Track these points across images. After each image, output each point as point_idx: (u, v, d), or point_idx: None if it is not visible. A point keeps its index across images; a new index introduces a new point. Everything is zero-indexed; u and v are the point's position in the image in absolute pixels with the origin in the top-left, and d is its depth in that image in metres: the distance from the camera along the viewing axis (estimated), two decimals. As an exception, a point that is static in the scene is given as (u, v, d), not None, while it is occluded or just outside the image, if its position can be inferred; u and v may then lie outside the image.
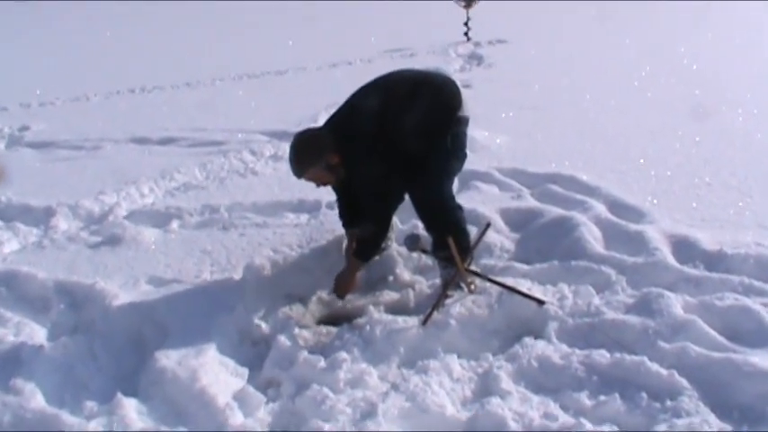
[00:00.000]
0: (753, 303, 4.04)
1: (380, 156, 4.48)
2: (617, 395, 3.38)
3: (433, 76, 4.92)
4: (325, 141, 4.51)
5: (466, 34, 20.33)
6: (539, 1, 32.51)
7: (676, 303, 4.06)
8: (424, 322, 4.13)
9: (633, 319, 3.97)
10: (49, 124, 10.77)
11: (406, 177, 4.57)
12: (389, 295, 4.75)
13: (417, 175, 4.54)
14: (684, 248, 4.91)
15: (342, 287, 4.76)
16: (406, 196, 4.73)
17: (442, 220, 4.61)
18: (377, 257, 5.11)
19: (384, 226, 4.76)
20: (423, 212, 4.68)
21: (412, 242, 4.56)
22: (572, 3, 30.35)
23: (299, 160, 4.54)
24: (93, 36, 28.06)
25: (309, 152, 4.52)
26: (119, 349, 4.19)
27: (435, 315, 4.17)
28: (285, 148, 8.25)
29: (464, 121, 4.70)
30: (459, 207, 4.76)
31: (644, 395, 3.38)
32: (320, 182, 4.70)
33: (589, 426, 3.18)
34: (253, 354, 4.20)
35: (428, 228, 4.75)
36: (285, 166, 7.32)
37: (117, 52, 21.90)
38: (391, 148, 4.49)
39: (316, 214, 5.96)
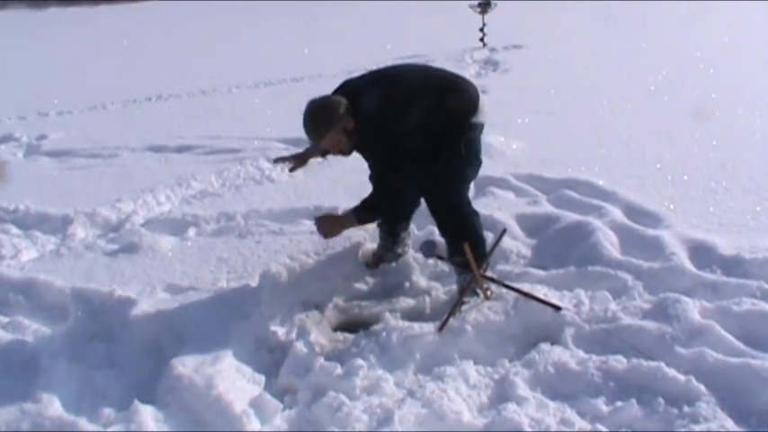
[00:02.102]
0: (770, 308, 4.03)
1: (391, 129, 4.47)
2: (634, 401, 3.38)
3: (452, 77, 4.89)
4: (341, 104, 4.45)
5: (482, 40, 20.28)
6: (556, 1, 32.52)
7: (693, 308, 4.05)
8: (441, 328, 4.12)
9: (650, 324, 3.96)
10: (66, 133, 10.81)
11: (421, 184, 4.57)
12: (406, 302, 4.74)
13: (433, 181, 4.54)
14: (701, 253, 4.90)
15: (326, 229, 4.72)
16: (422, 201, 4.74)
17: (459, 225, 4.60)
18: (393, 264, 5.12)
19: (388, 193, 4.67)
20: (439, 218, 4.68)
21: (428, 248, 4.56)
22: (588, 7, 30.28)
23: (318, 123, 4.48)
24: (109, 45, 28.18)
25: (329, 115, 4.44)
26: (136, 356, 4.20)
27: (452, 321, 4.16)
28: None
29: (478, 127, 4.67)
30: (476, 213, 4.75)
31: (661, 401, 3.37)
32: (337, 148, 4.63)
33: (606, 432, 3.17)
34: (269, 361, 4.20)
35: (444, 233, 4.75)
36: (301, 174, 7.34)
37: (133, 61, 21.98)
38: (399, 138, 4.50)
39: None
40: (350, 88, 4.66)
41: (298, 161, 5.15)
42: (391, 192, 4.66)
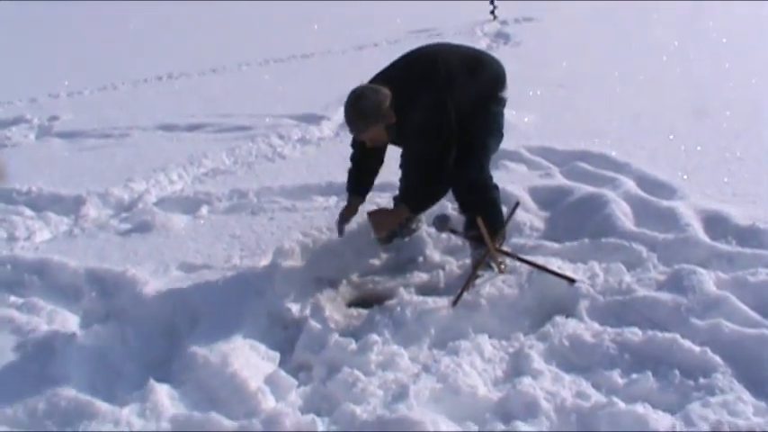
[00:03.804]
0: (786, 278, 3.99)
1: (431, 125, 4.40)
2: (649, 373, 3.37)
3: (484, 53, 4.88)
4: (387, 98, 4.34)
5: (492, 12, 20.20)
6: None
7: (708, 280, 4.02)
8: (455, 303, 4.12)
9: (665, 296, 3.94)
10: (77, 114, 10.79)
11: None
12: (420, 276, 4.73)
13: (457, 153, 4.49)
14: (716, 224, 4.86)
15: (382, 226, 4.68)
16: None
17: (479, 198, 4.59)
18: (407, 239, 5.11)
19: (444, 179, 4.56)
20: (460, 190, 4.64)
21: (440, 222, 4.54)
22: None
23: (362, 117, 4.36)
24: (120, 25, 28.13)
25: (374, 110, 4.32)
26: (150, 335, 4.21)
27: (466, 295, 4.15)
28: (312, 131, 8.30)
29: (503, 102, 4.71)
30: (496, 186, 4.72)
31: (677, 373, 3.36)
32: (375, 141, 4.56)
33: (621, 404, 3.15)
34: (283, 337, 4.20)
35: (462, 206, 4.72)
36: (313, 150, 7.35)
37: (143, 40, 21.95)
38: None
39: (344, 197, 5.92)
40: (386, 80, 4.53)
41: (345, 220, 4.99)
42: (436, 176, 4.56)
